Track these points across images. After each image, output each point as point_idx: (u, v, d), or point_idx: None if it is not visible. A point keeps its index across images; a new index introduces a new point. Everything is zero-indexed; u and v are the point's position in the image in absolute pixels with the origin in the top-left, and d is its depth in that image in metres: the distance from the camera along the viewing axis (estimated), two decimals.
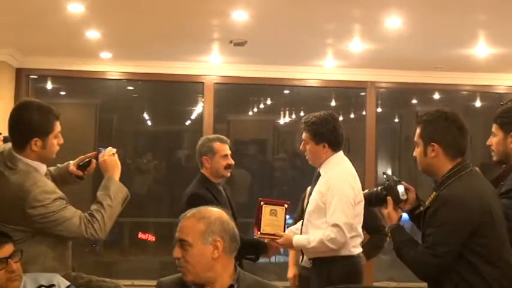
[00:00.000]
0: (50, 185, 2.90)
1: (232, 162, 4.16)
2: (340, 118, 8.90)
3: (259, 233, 3.91)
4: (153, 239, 7.84)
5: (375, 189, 3.03)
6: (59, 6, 4.60)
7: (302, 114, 9.20)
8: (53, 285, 2.74)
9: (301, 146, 3.85)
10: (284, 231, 3.88)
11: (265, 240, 3.96)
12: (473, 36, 5.48)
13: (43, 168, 2.97)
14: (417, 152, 2.74)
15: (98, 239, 2.91)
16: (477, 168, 2.72)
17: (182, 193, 4.18)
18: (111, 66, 6.85)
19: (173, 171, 8.76)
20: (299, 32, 5.45)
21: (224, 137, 4.25)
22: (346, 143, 8.34)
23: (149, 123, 9.03)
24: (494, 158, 3.03)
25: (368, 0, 4.51)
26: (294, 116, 9.23)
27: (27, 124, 2.90)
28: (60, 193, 2.88)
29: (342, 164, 3.77)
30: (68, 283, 2.80)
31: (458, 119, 2.70)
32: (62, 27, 5.24)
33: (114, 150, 3.13)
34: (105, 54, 6.41)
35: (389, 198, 2.85)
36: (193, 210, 2.38)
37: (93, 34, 5.47)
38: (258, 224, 3.90)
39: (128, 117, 8.67)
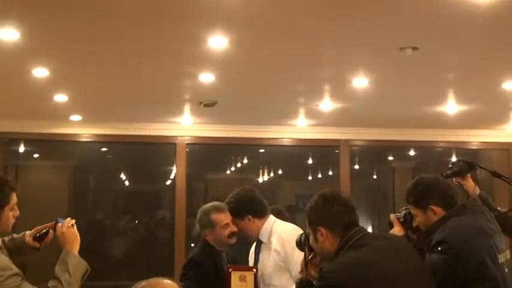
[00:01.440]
0: (5, 260, 2.77)
1: (235, 229, 4.02)
2: (319, 175, 9.05)
3: None
4: None
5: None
6: (23, 70, 4.57)
7: (280, 172, 9.19)
8: None
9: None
10: None
11: None
12: (442, 94, 5.52)
13: None
14: (311, 241, 2.74)
15: None
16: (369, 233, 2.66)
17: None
18: (81, 129, 6.82)
19: (152, 233, 8.63)
20: (269, 92, 5.46)
21: (221, 204, 4.04)
22: None
23: (127, 183, 8.93)
24: None
25: (336, 62, 4.52)
26: (272, 174, 9.20)
27: None
28: (15, 269, 2.75)
29: (279, 221, 3.81)
30: None
31: (338, 197, 2.70)
32: (28, 91, 5.21)
33: (73, 221, 3.02)
34: (75, 117, 6.38)
35: (306, 248, 2.83)
36: (143, 283, 2.27)
37: (60, 98, 5.45)
38: None
39: (104, 178, 8.57)
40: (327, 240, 2.64)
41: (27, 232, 3.15)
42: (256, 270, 3.91)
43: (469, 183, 3.57)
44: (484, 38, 3.89)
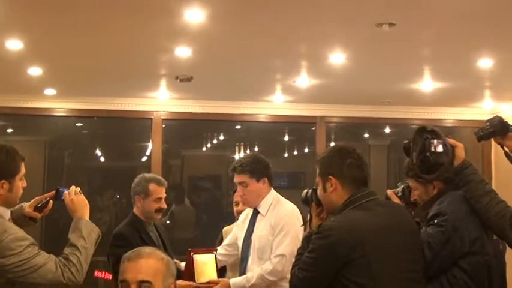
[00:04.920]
0: (20, 231, 2.75)
1: (164, 206, 4.11)
2: (295, 152, 9.08)
3: (194, 284, 3.84)
4: (110, 277, 7.60)
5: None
6: None
7: (256, 149, 9.19)
8: None
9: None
10: (218, 277, 3.83)
11: None
12: (417, 71, 5.54)
13: (7, 213, 2.83)
14: (319, 191, 2.71)
15: (77, 283, 2.76)
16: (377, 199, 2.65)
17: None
18: (56, 103, 6.74)
19: (127, 209, 8.59)
20: (246, 68, 5.43)
21: (162, 179, 4.17)
22: (302, 177, 8.38)
23: (102, 159, 8.87)
24: None
25: (313, 38, 4.51)
26: (248, 151, 9.19)
27: None
28: (31, 239, 2.74)
29: (282, 198, 3.78)
30: None
31: (353, 152, 2.68)
32: (1, 64, 5.12)
33: (78, 188, 3.03)
34: (50, 91, 6.30)
35: (312, 203, 2.81)
36: (146, 249, 2.31)
37: (35, 71, 5.36)
38: (190, 275, 3.83)
39: (79, 154, 8.49)
40: (334, 192, 2.62)
41: (24, 204, 3.13)
42: (216, 252, 3.96)
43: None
44: (460, 14, 3.91)
